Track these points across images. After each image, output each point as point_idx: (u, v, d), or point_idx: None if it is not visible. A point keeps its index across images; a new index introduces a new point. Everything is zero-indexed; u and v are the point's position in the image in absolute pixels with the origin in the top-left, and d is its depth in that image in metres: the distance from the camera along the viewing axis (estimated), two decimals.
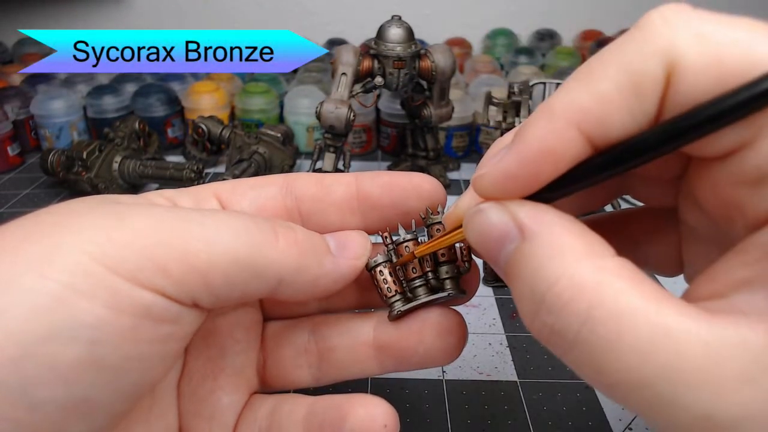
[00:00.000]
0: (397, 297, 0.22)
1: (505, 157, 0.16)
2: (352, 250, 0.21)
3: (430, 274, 0.22)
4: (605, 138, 0.15)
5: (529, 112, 0.48)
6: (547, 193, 0.16)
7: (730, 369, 0.12)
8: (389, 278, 0.22)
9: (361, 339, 0.23)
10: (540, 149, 0.15)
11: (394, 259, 0.22)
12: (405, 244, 0.22)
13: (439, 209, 0.22)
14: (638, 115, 0.15)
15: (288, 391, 0.24)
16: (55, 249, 0.15)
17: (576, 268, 0.14)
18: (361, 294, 0.24)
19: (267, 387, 0.24)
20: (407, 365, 0.23)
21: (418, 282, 0.22)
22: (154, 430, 0.20)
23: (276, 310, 0.25)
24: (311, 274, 0.19)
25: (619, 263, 0.14)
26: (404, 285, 0.22)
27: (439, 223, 0.21)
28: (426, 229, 0.22)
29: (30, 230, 0.16)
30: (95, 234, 0.16)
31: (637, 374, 0.13)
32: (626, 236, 0.21)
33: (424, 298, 0.22)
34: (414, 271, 0.22)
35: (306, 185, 0.23)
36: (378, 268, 0.22)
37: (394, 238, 0.22)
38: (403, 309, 0.22)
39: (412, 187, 0.22)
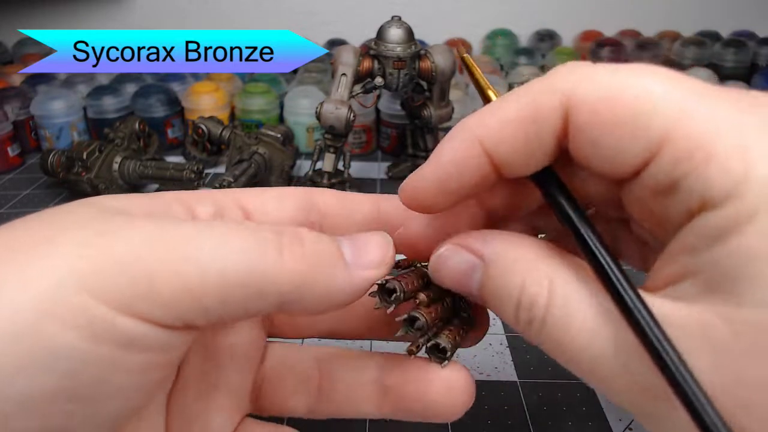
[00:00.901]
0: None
1: (421, 169, 0.19)
2: (371, 256, 0.19)
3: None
4: (501, 156, 0.17)
5: None
6: None
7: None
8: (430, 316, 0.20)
9: (365, 377, 0.22)
10: (449, 160, 0.18)
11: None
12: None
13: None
14: (533, 140, 0.17)
15: (281, 420, 0.23)
16: (34, 272, 0.14)
17: (536, 269, 0.17)
18: (372, 319, 0.23)
19: (259, 410, 0.23)
20: (407, 414, 0.21)
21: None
22: None
23: (283, 328, 0.24)
24: (320, 290, 0.18)
25: (566, 261, 0.17)
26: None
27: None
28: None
29: (13, 245, 0.15)
30: (79, 253, 0.15)
31: (587, 353, 0.16)
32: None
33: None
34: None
35: (329, 202, 0.23)
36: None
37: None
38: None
39: None
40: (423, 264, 0.21)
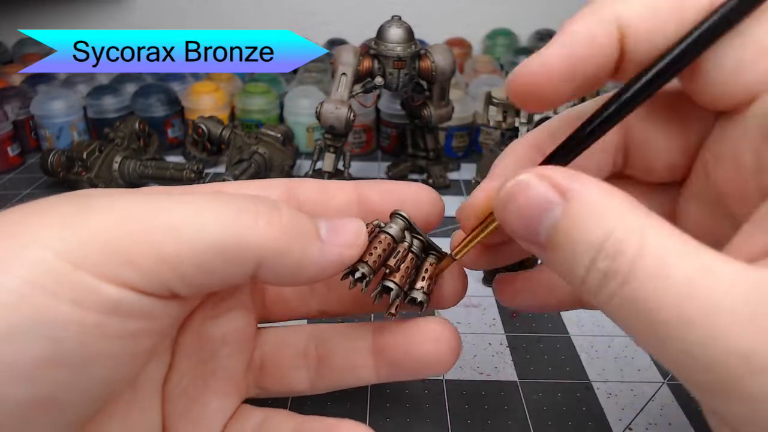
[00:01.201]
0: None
1: (541, 52, 0.17)
2: (345, 238, 0.19)
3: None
4: (636, 42, 0.16)
5: None
6: (561, 158, 0.18)
7: None
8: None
9: (360, 343, 0.23)
10: (583, 38, 0.16)
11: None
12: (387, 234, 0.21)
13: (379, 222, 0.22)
14: (673, 28, 0.16)
15: (286, 401, 0.24)
16: (18, 246, 0.15)
17: (626, 217, 0.15)
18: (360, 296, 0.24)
19: (263, 390, 0.24)
20: (402, 371, 0.23)
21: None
22: (132, 426, 0.20)
23: (274, 309, 0.25)
24: (294, 259, 0.18)
25: (657, 216, 0.15)
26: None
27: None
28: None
29: None
30: (60, 229, 0.16)
31: (678, 312, 0.13)
32: None
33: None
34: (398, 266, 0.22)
35: (309, 190, 0.23)
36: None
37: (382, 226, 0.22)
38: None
39: (411, 195, 0.23)
40: (384, 224, 0.22)
